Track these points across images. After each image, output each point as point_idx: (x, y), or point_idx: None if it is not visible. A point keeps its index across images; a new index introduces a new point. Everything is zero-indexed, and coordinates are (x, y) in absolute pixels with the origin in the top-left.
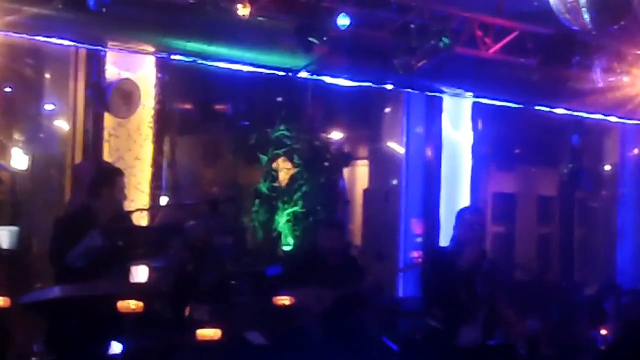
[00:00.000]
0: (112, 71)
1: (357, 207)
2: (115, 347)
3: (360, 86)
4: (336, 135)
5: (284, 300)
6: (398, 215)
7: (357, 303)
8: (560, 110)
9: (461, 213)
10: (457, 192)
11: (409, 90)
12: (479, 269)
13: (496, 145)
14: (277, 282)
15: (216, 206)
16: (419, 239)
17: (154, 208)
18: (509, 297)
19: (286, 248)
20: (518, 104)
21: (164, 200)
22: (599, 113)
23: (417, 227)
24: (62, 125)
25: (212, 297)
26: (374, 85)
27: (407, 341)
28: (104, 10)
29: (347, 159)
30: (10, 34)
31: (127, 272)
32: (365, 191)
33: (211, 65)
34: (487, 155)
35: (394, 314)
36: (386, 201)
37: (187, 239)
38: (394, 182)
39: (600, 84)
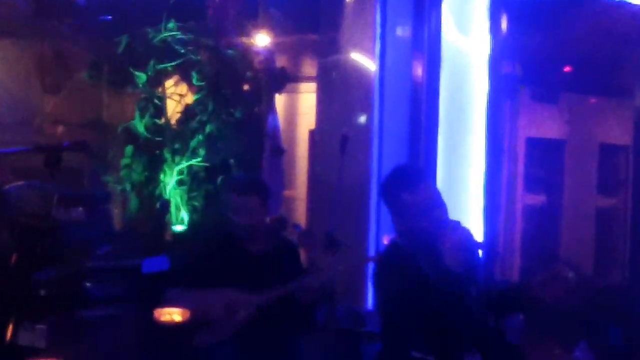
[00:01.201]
0: None
1: (300, 161)
2: None
3: None
4: (263, 40)
5: (173, 314)
6: (367, 175)
7: (294, 318)
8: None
9: (389, 183)
10: (464, 137)
11: None
12: (473, 278)
13: (530, 60)
14: (162, 285)
15: (59, 157)
16: None
17: None
18: (547, 313)
19: (178, 228)
20: None
21: None
22: None
23: None
24: None
25: (51, 309)
26: None
27: None
28: None
29: (282, 80)
30: None
31: None
32: (313, 134)
33: None
34: (515, 77)
35: (354, 336)
36: (345, 151)
37: (9, 213)
38: (361, 119)
39: None
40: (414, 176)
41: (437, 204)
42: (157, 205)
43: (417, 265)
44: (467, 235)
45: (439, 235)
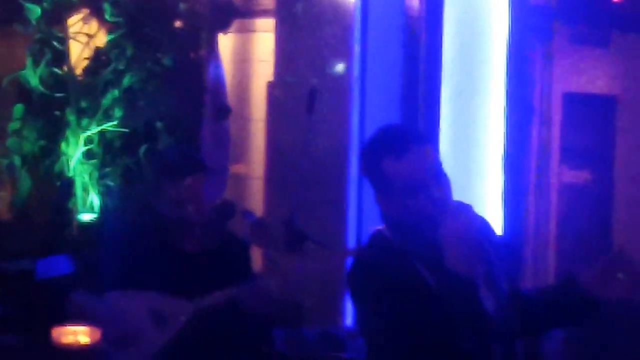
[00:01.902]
0: None
1: (255, 126)
2: None
3: None
4: None
5: (78, 333)
6: (345, 142)
7: (242, 337)
8: None
9: (371, 146)
10: (477, 93)
11: None
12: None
13: None
14: (63, 293)
15: None
16: None
17: None
18: (593, 334)
19: (85, 217)
20: None
21: None
22: None
23: None
24: None
25: None
26: None
27: None
28: None
29: (227, 14)
30: None
31: None
32: (272, 87)
33: None
34: (548, 10)
35: None
36: (313, 110)
37: None
38: (338, 67)
39: None
40: (403, 137)
41: (435, 177)
42: (58, 185)
43: (409, 265)
44: (478, 223)
45: (437, 223)
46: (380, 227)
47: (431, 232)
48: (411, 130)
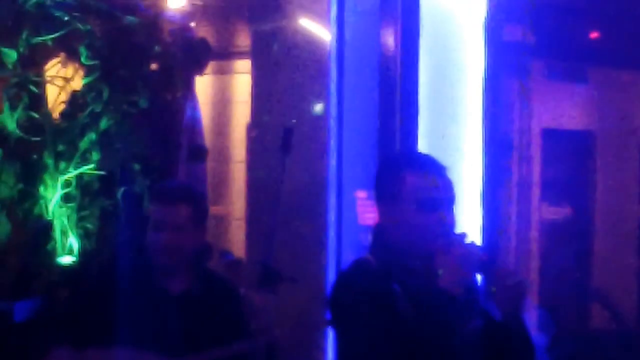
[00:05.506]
0: None
1: (236, 167)
2: None
3: None
4: (175, 1)
5: None
6: (322, 181)
7: None
8: None
9: (394, 163)
10: (455, 131)
11: None
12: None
13: (544, 23)
14: (37, 340)
15: None
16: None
17: None
18: None
19: (66, 260)
20: None
21: None
22: None
23: (367, 208)
24: None
25: None
26: None
27: None
28: None
29: (202, 56)
30: None
31: None
32: (250, 128)
33: None
34: (524, 47)
35: None
36: (289, 150)
37: None
38: (316, 107)
39: None
40: (428, 159)
41: (449, 204)
42: (35, 228)
43: (388, 291)
44: (473, 252)
45: (435, 247)
46: (364, 255)
47: (424, 255)
48: (434, 158)
